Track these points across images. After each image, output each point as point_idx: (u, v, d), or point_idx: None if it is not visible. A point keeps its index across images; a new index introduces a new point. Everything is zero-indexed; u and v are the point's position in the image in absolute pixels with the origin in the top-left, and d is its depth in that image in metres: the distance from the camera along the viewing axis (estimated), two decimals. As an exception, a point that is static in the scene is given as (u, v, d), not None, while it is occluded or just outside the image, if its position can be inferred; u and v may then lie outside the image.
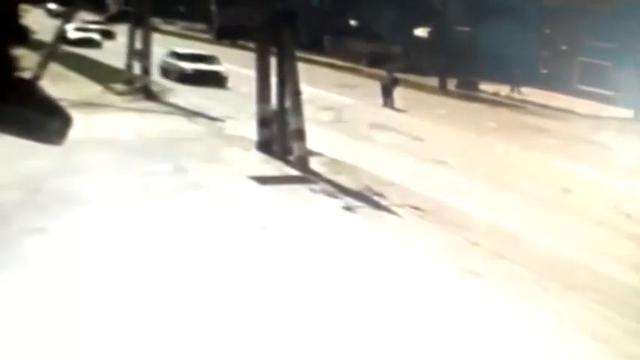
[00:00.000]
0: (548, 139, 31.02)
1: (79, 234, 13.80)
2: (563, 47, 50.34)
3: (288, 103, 21.99)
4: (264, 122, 22.76)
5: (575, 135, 32.20)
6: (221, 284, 12.18)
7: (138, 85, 32.64)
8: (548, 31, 51.98)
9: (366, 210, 17.75)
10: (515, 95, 47.47)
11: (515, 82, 47.97)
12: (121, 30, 39.88)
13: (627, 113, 41.04)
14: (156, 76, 35.67)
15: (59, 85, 23.62)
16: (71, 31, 48.51)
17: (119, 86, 33.00)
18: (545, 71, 51.46)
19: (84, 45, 48.28)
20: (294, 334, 10.66)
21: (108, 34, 54.65)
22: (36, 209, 15.04)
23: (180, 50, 42.28)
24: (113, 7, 37.70)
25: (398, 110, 36.52)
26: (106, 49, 45.79)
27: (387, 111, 36.24)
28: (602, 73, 46.63)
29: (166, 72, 40.03)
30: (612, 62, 46.09)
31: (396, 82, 39.27)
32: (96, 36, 53.84)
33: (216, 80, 39.06)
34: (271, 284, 12.37)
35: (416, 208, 18.19)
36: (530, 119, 37.98)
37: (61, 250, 12.98)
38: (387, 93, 38.29)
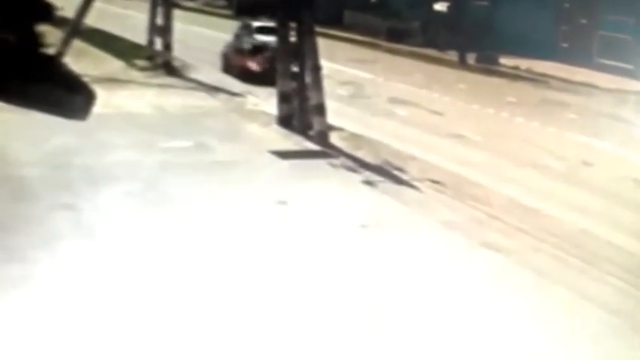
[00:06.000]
0: (569, 113, 30.88)
1: (105, 211, 13.96)
2: (583, 21, 50.06)
3: (308, 79, 22.08)
4: (284, 97, 22.85)
5: (597, 109, 32.04)
6: (243, 258, 12.33)
7: (159, 60, 32.78)
8: (567, 5, 51.71)
9: (385, 184, 17.84)
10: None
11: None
12: (142, 7, 39.82)
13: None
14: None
15: (82, 61, 23.74)
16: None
17: (141, 62, 33.14)
18: (565, 45, 51.20)
19: None
20: (315, 306, 10.81)
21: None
22: (62, 186, 15.23)
23: (253, 23, 37.47)
24: None
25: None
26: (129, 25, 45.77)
27: (407, 86, 36.07)
28: (623, 47, 46.33)
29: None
30: (632, 36, 45.82)
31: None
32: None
33: None
34: (292, 258, 12.51)
35: (435, 182, 18.25)
36: (551, 93, 37.80)
37: (89, 227, 13.14)
38: None
